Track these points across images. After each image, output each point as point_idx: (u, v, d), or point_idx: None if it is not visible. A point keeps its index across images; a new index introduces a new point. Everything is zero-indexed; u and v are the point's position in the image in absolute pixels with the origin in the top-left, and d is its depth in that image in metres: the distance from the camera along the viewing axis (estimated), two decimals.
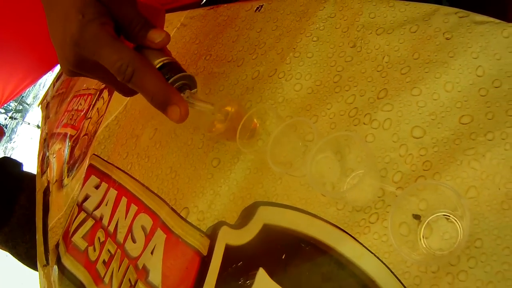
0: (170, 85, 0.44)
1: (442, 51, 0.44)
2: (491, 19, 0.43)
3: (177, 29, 0.83)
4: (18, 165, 1.37)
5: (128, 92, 0.49)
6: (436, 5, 0.49)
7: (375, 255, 0.38)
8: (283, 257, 0.43)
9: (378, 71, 0.48)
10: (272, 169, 0.49)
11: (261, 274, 0.44)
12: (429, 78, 0.43)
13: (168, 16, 0.91)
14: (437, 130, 0.41)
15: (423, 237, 0.37)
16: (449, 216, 0.36)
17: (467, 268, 0.34)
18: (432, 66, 0.44)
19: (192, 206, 0.55)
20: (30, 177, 1.30)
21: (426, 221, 0.37)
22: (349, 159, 0.43)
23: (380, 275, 0.37)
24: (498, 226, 0.34)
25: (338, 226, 0.41)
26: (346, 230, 0.41)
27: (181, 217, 0.56)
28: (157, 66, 0.44)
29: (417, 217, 0.38)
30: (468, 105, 0.40)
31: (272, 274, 0.43)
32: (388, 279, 0.37)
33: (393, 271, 0.37)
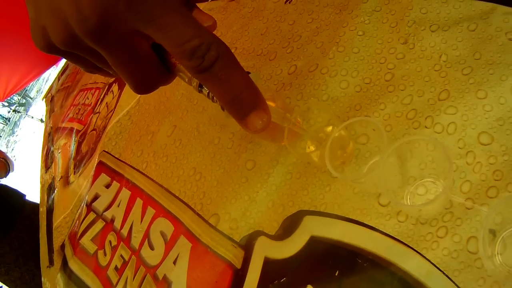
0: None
1: (506, 52, 0.41)
2: None
3: None
4: (21, 196, 1.35)
5: (147, 85, 0.35)
6: (492, 3, 0.45)
7: (444, 273, 0.34)
8: (336, 274, 0.38)
9: (436, 71, 0.44)
10: (318, 175, 0.45)
11: None
12: (494, 81, 0.40)
13: None
14: (506, 137, 0.37)
15: (497, 253, 0.33)
16: None
17: None
18: (497, 68, 0.40)
19: (223, 213, 0.51)
20: (32, 206, 1.28)
21: (501, 236, 0.33)
22: (411, 166, 0.38)
23: None
24: None
25: (401, 240, 0.37)
26: (410, 245, 0.37)
27: (210, 225, 0.51)
28: None
29: (492, 232, 0.34)
30: None
31: None
32: None
33: None
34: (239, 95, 0.32)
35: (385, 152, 0.34)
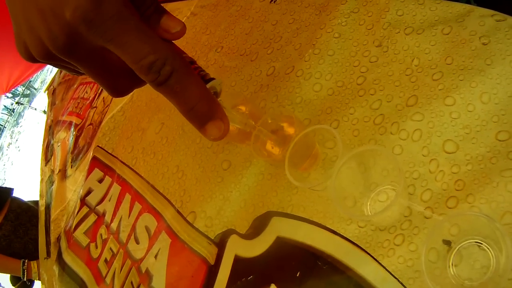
0: (213, 95, 0.35)
1: (479, 58, 0.40)
2: None
3: (187, 18, 0.79)
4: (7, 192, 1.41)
5: (121, 91, 0.38)
6: (469, 5, 0.45)
7: (399, 280, 0.35)
8: (297, 275, 0.40)
9: (407, 75, 0.44)
10: (286, 177, 0.46)
11: None
12: (464, 87, 0.40)
13: (177, 4, 0.87)
14: (471, 146, 0.37)
15: (452, 264, 0.34)
16: (481, 243, 0.33)
17: None
18: (467, 74, 0.40)
19: (200, 211, 0.52)
20: (18, 203, 1.34)
21: (457, 248, 0.34)
22: (374, 172, 0.39)
23: None
24: None
25: (359, 245, 0.38)
26: (367, 251, 0.38)
27: (188, 222, 0.53)
28: None
29: (447, 243, 0.34)
30: (506, 119, 0.36)
31: None
32: None
33: None
34: (194, 106, 0.33)
35: (341, 161, 0.35)
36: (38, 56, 0.34)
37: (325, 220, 0.41)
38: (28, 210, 1.42)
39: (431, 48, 0.44)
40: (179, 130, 0.63)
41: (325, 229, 0.41)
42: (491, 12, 0.42)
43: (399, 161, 0.35)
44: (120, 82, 0.36)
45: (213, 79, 0.36)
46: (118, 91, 0.37)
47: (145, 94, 0.78)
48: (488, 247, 0.33)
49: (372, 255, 0.37)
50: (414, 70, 0.44)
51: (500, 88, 0.38)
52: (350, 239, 0.39)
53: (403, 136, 0.41)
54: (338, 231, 0.40)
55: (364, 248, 0.38)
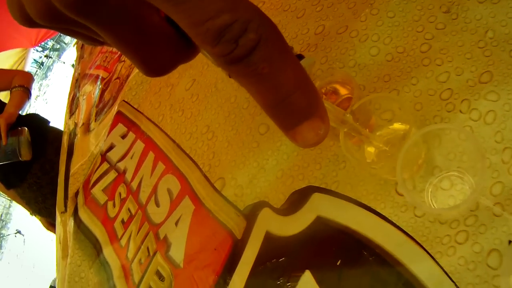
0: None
1: None
2: None
3: None
4: (45, 121, 1.36)
5: (159, 68, 0.26)
6: None
7: (456, 284, 0.30)
8: (338, 263, 0.35)
9: (479, 48, 0.37)
10: (334, 149, 0.40)
11: (307, 278, 0.36)
12: None
13: None
14: None
15: None
16: None
17: None
18: None
19: (230, 178, 0.47)
20: (57, 132, 1.30)
21: None
22: (438, 155, 0.33)
23: None
24: None
25: (414, 238, 0.33)
26: (423, 246, 0.32)
27: (215, 189, 0.48)
28: None
29: None
30: None
31: (320, 281, 0.35)
32: None
33: None
34: (287, 98, 0.22)
35: (410, 139, 0.29)
36: (36, 18, 0.23)
37: (376, 204, 0.35)
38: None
39: (508, 20, 0.37)
40: (211, 88, 0.58)
41: (375, 214, 0.35)
42: None
43: (482, 147, 0.29)
44: (160, 54, 0.25)
45: (302, 56, 0.26)
46: (155, 68, 0.25)
47: None
48: None
49: (429, 251, 0.32)
50: (488, 43, 0.37)
51: None
52: (404, 229, 0.33)
53: (474, 117, 0.35)
54: (390, 218, 0.34)
55: (419, 241, 0.32)
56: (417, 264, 0.32)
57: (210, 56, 0.24)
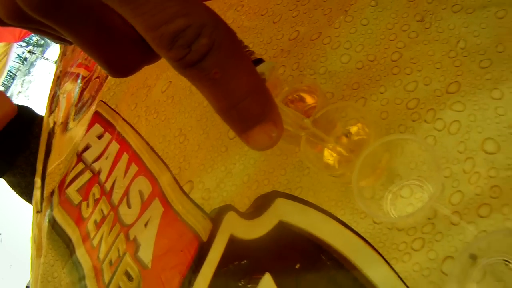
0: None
1: None
2: None
3: None
4: (35, 117, 1.35)
5: (123, 69, 0.26)
6: None
7: None
8: (296, 266, 0.35)
9: (450, 58, 0.38)
10: (300, 155, 0.41)
11: (266, 281, 0.36)
12: None
13: None
14: None
15: (473, 281, 0.29)
16: (509, 262, 0.28)
17: None
18: None
19: (198, 181, 0.47)
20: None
21: (482, 264, 0.29)
22: (400, 163, 0.34)
23: None
24: None
25: (372, 244, 0.33)
26: (380, 252, 0.32)
27: (183, 192, 0.48)
28: None
29: (473, 257, 0.29)
30: None
31: (279, 284, 0.35)
32: None
33: None
34: (239, 103, 0.22)
35: (368, 148, 0.30)
36: (6, 18, 0.24)
37: (336, 210, 0.36)
38: None
39: (481, 31, 0.38)
40: (186, 91, 0.58)
41: (335, 220, 0.35)
42: None
43: (437, 156, 0.30)
44: (124, 55, 0.25)
45: (261, 60, 0.26)
46: (119, 69, 0.26)
47: None
48: None
49: (385, 257, 0.32)
50: (459, 53, 0.38)
51: None
52: (362, 235, 0.34)
53: (438, 127, 0.35)
54: (349, 224, 0.35)
55: (376, 247, 0.33)
56: (373, 269, 0.32)
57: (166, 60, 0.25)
